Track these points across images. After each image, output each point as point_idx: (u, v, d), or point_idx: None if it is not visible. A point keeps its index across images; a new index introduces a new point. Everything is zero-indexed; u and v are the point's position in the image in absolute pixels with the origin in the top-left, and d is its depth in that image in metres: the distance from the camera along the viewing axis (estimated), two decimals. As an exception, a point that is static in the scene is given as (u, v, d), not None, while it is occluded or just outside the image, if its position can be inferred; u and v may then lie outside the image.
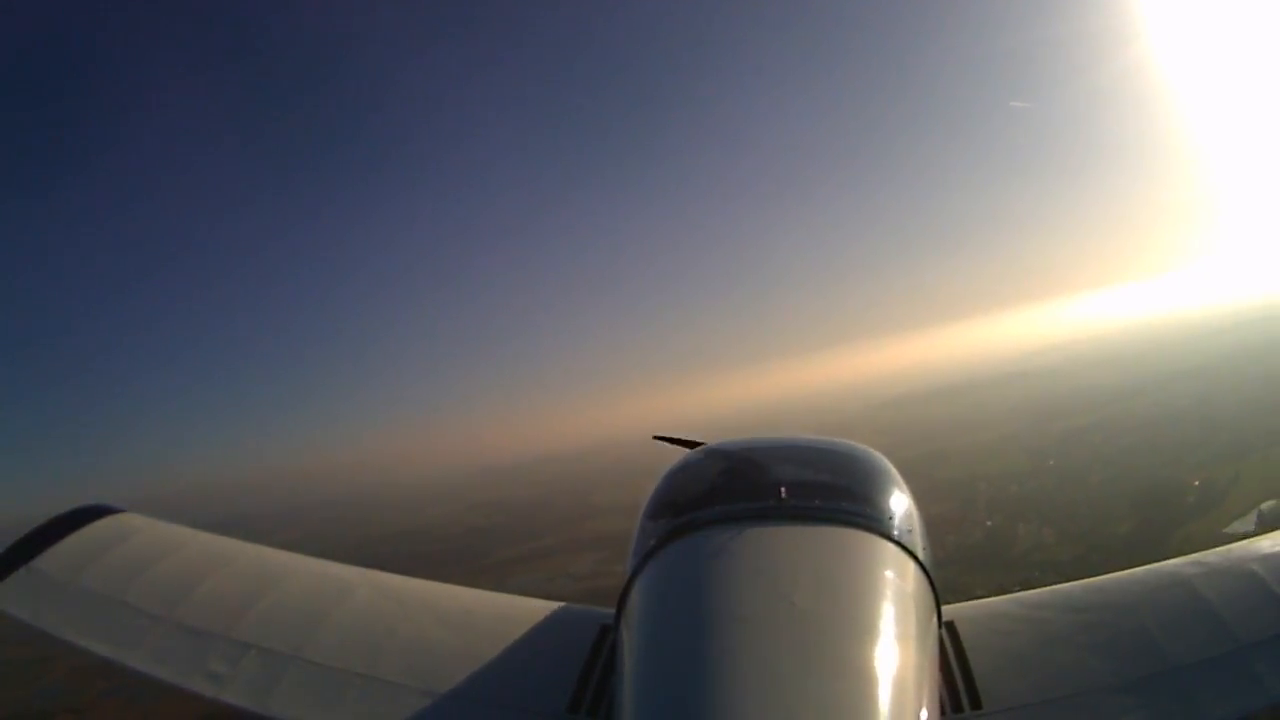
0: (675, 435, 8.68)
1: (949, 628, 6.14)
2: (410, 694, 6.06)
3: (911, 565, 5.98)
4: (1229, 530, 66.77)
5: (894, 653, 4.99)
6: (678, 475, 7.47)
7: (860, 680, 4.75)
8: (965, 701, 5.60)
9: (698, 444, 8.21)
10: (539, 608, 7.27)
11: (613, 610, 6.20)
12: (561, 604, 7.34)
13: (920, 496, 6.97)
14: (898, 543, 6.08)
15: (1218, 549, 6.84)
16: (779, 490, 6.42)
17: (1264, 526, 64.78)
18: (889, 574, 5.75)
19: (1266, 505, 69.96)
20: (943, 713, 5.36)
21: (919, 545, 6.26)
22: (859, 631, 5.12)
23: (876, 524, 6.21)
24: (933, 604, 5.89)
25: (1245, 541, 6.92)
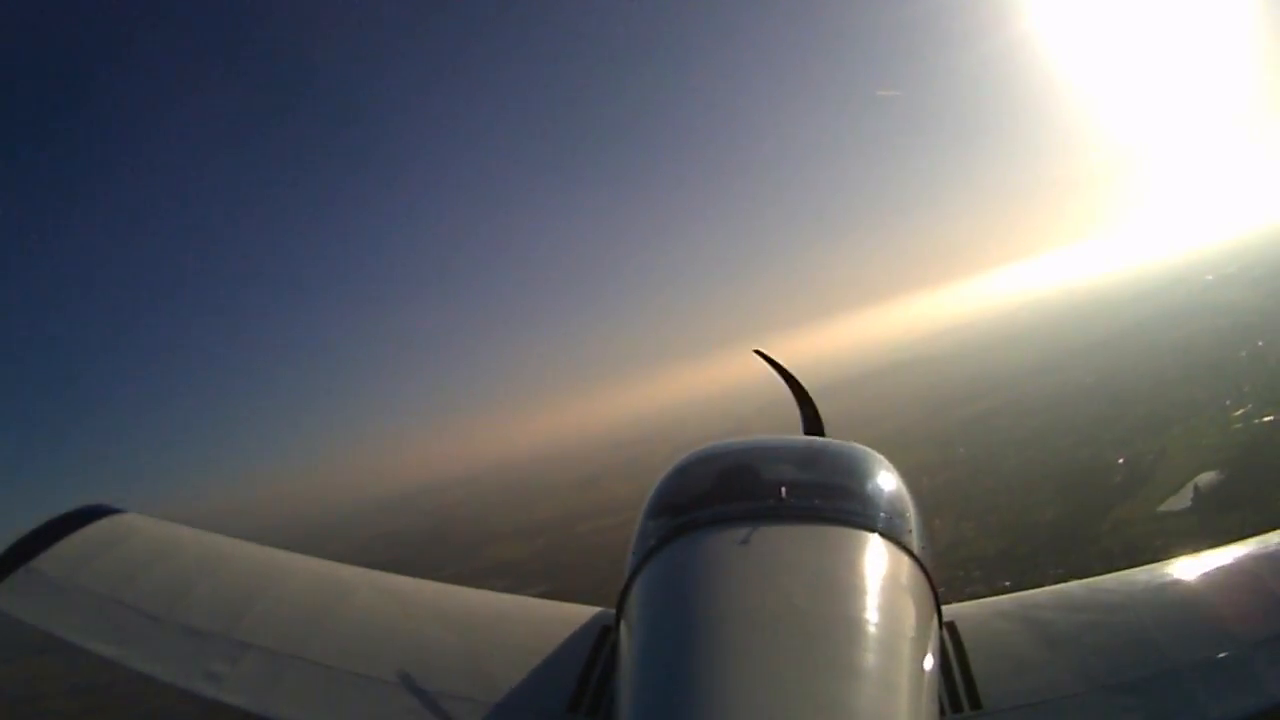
0: (779, 362, 10.45)
1: (949, 628, 6.26)
2: (410, 694, 6.21)
3: (912, 565, 6.08)
4: (1164, 509, 65.85)
5: (894, 653, 5.12)
6: (677, 475, 7.49)
7: (860, 680, 4.86)
8: (965, 701, 5.71)
9: (791, 376, 10.10)
10: (539, 608, 7.74)
11: (613, 610, 6.35)
12: (561, 604, 7.62)
13: None
14: (898, 543, 6.18)
15: (1218, 549, 6.90)
16: (779, 490, 6.52)
17: (1200, 502, 64.88)
18: (889, 574, 5.91)
19: (1202, 479, 68.66)
20: (943, 713, 5.46)
21: (919, 545, 6.34)
22: (859, 631, 5.21)
23: (876, 524, 6.29)
24: (933, 604, 5.99)
25: (1245, 541, 6.96)
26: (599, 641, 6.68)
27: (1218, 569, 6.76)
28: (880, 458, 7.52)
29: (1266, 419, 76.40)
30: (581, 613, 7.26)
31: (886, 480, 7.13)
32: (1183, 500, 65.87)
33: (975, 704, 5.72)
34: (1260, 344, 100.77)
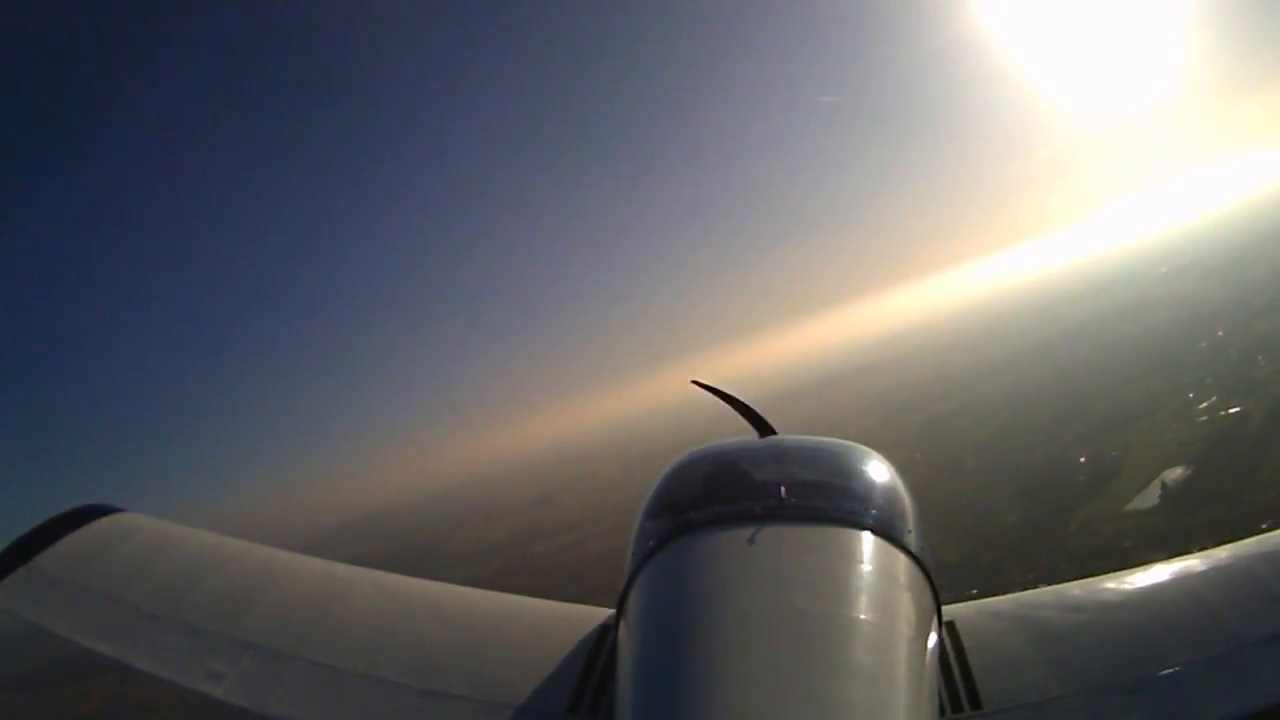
0: (715, 386, 9.97)
1: (949, 628, 6.33)
2: (410, 694, 6.29)
3: (912, 565, 6.10)
4: (1131, 508, 65.14)
5: (894, 653, 5.14)
6: (676, 475, 7.48)
7: (860, 680, 4.90)
8: (965, 701, 5.76)
9: (731, 397, 9.54)
10: (539, 608, 7.66)
11: (613, 610, 6.41)
12: (561, 604, 7.66)
13: None
14: (898, 543, 6.19)
15: (1217, 549, 6.98)
16: (779, 490, 6.56)
17: (1168, 499, 64.05)
18: (889, 574, 5.94)
19: (1169, 475, 68.09)
20: (943, 713, 5.54)
21: (918, 545, 6.36)
22: (859, 631, 5.26)
23: (876, 524, 6.30)
24: (933, 604, 6.03)
25: (1245, 541, 7.05)
26: (599, 641, 6.72)
27: (1217, 569, 6.81)
28: (879, 457, 7.54)
29: (1232, 410, 76.26)
30: (581, 613, 7.30)
31: (885, 480, 7.15)
32: (1150, 498, 65.15)
33: (975, 704, 5.75)
34: (1220, 334, 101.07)
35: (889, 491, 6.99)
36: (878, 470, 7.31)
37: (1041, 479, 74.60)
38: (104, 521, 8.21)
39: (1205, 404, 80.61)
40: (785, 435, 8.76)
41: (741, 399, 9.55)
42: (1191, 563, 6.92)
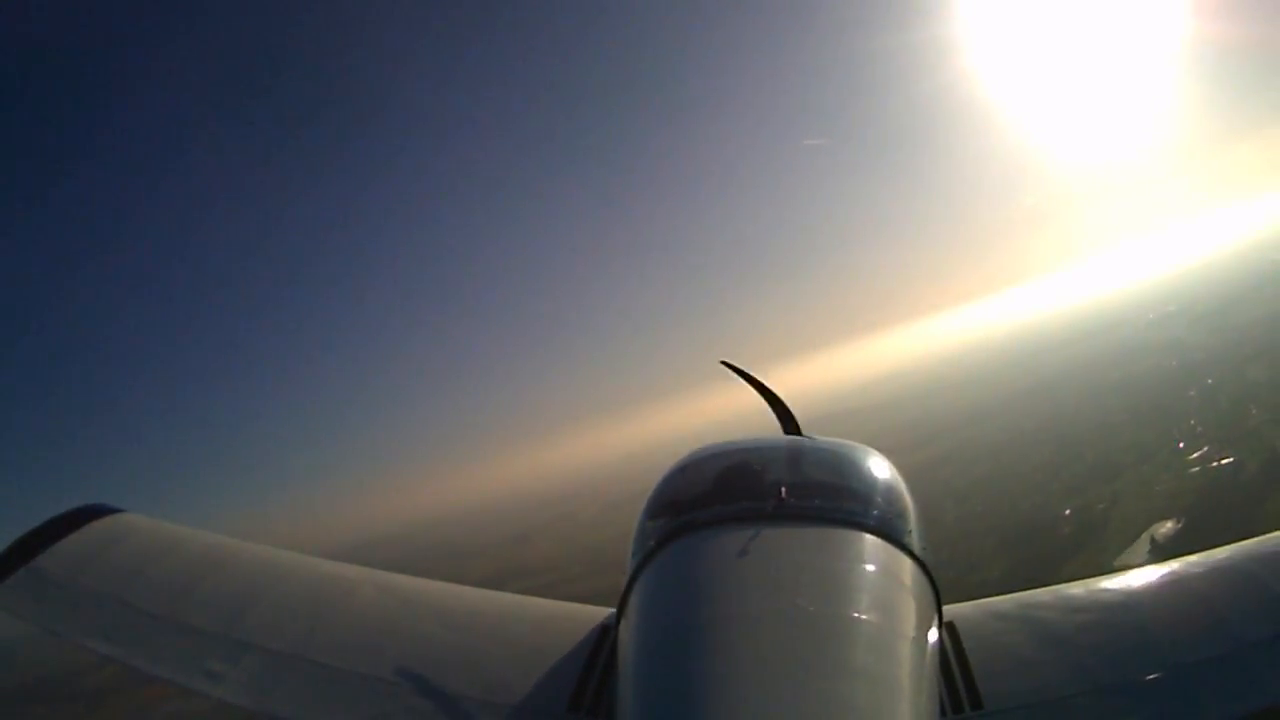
0: (744, 369, 10.58)
1: (949, 628, 6.37)
2: (411, 694, 6.34)
3: (912, 565, 6.17)
4: (1120, 562, 63.29)
5: (894, 653, 5.24)
6: (677, 475, 7.57)
7: (860, 680, 4.97)
8: (965, 701, 5.82)
9: (758, 381, 10.16)
10: (539, 607, 7.85)
11: (613, 610, 6.57)
12: (562, 604, 7.82)
13: None
14: (898, 543, 6.28)
15: (1217, 549, 7.14)
16: (779, 490, 6.66)
17: (1158, 554, 61.89)
18: (889, 574, 6.02)
19: (1158, 529, 67.55)
20: (943, 713, 5.58)
21: (919, 546, 6.45)
22: (859, 632, 5.33)
23: (877, 524, 6.41)
24: (933, 604, 6.11)
25: (1245, 542, 7.18)
26: (599, 641, 6.72)
27: (1218, 569, 6.93)
28: (881, 458, 7.61)
29: (1225, 461, 75.50)
30: (582, 613, 7.34)
31: (887, 480, 7.22)
32: (1139, 553, 63.67)
33: (975, 704, 5.78)
34: (1210, 382, 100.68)
35: (890, 491, 7.04)
36: (879, 470, 7.37)
37: (1025, 531, 73.31)
38: (104, 522, 8.21)
39: (1196, 454, 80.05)
40: (784, 435, 8.95)
41: (769, 387, 9.96)
42: (1191, 563, 7.05)
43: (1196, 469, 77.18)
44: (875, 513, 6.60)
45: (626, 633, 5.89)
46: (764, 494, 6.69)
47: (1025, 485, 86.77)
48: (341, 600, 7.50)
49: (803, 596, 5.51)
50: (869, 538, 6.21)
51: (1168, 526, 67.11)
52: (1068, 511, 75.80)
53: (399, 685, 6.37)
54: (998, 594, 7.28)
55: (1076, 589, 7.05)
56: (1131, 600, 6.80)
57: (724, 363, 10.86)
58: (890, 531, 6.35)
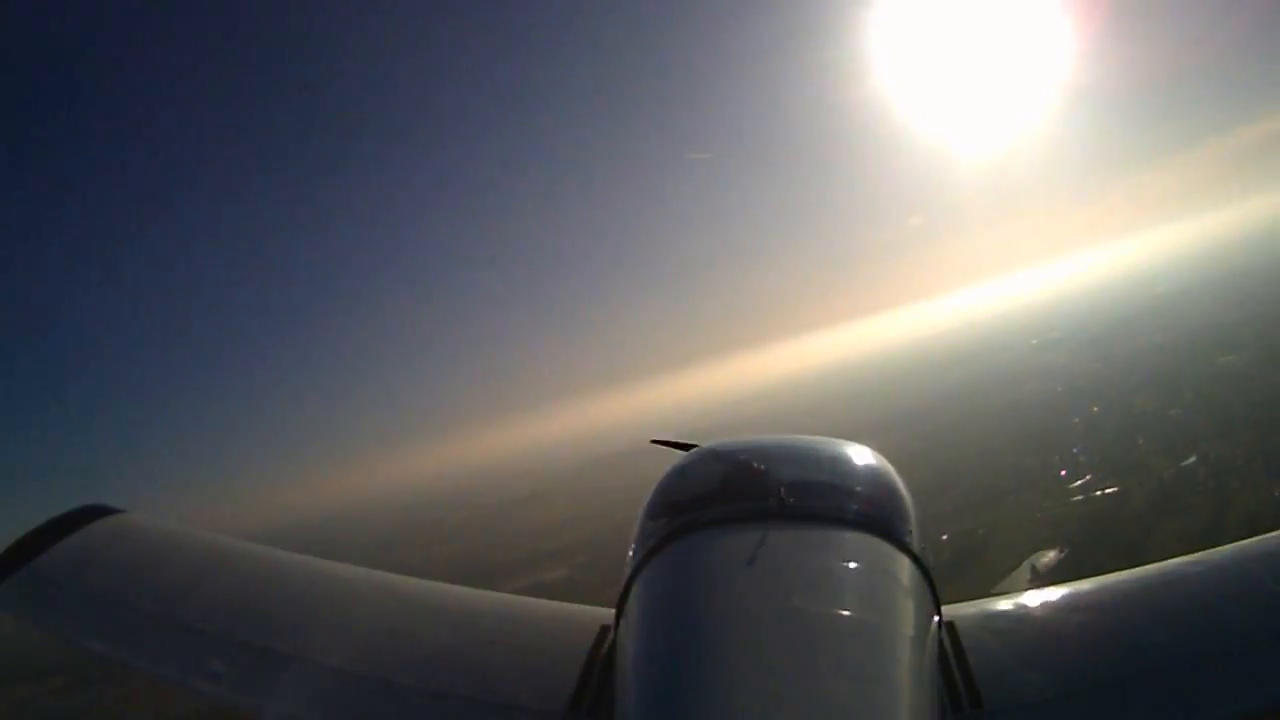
0: (673, 439, 9.06)
1: (949, 628, 6.33)
2: (410, 694, 6.35)
3: (911, 565, 6.15)
4: (997, 591, 59.82)
5: (894, 653, 5.28)
6: (677, 475, 7.55)
7: (860, 680, 5.00)
8: (965, 701, 5.80)
9: (693, 446, 8.65)
10: (539, 608, 7.76)
11: (613, 610, 6.44)
12: (561, 604, 7.75)
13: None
14: (897, 543, 6.24)
15: (1217, 549, 7.11)
16: (779, 490, 6.58)
17: (1039, 585, 58.70)
18: (889, 574, 6.01)
19: (1040, 558, 67.47)
20: (943, 713, 5.58)
21: (918, 545, 6.42)
22: (859, 632, 5.37)
23: (876, 524, 6.38)
24: (932, 604, 6.09)
25: (1245, 541, 7.16)
26: (599, 641, 6.61)
27: (1217, 569, 6.93)
28: (880, 458, 7.53)
29: (1109, 490, 75.48)
30: (581, 613, 7.25)
31: (886, 481, 7.10)
32: (1018, 583, 62.86)
33: (975, 704, 5.73)
34: (1095, 409, 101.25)
35: (889, 492, 6.89)
36: (878, 470, 7.23)
37: (900, 558, 70.63)
38: (104, 523, 8.13)
39: (1079, 482, 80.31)
40: (784, 435, 8.54)
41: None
42: (1192, 563, 6.99)
43: (1079, 497, 77.25)
44: (875, 513, 6.42)
45: (626, 633, 5.83)
46: (764, 494, 6.43)
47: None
48: (341, 601, 7.49)
49: (803, 596, 5.51)
50: (868, 538, 6.10)
51: (1049, 555, 66.96)
52: (945, 538, 73.87)
53: (399, 686, 6.30)
54: (995, 594, 7.35)
55: (1076, 589, 6.93)
56: (1131, 600, 6.69)
57: (655, 441, 9.78)
58: (890, 532, 6.18)
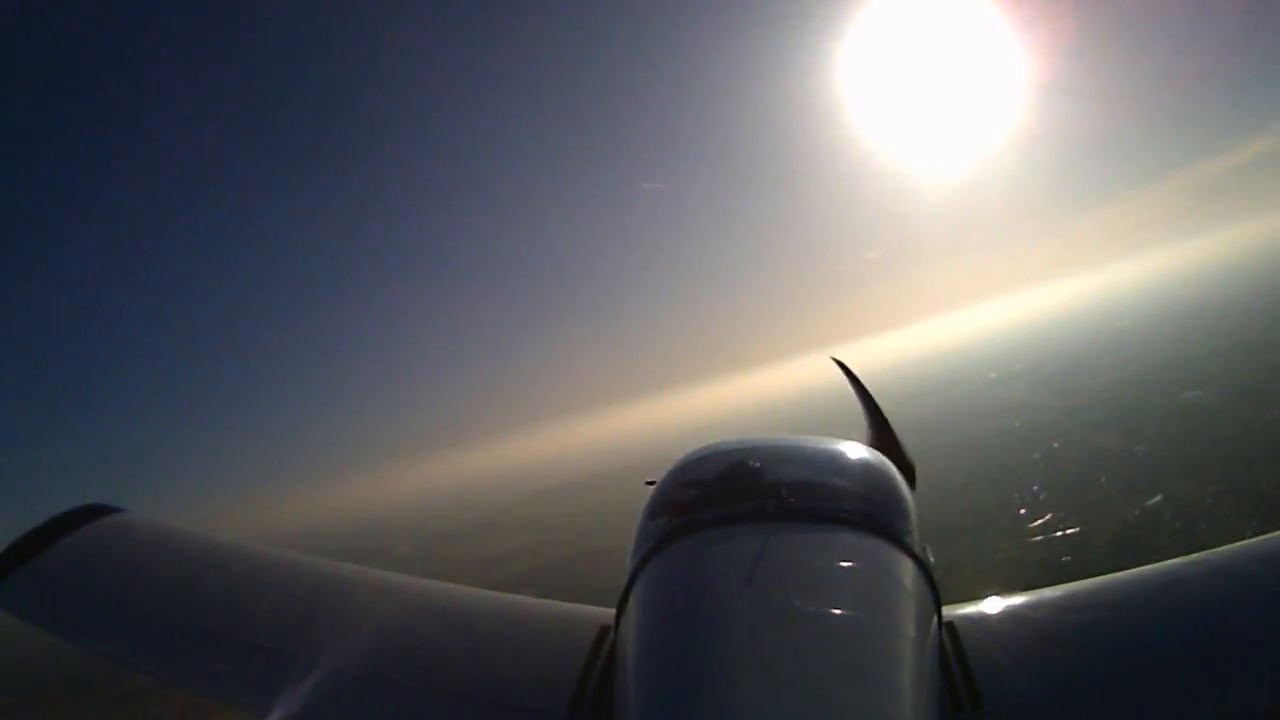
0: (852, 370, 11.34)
1: (949, 628, 6.40)
2: (410, 694, 6.40)
3: (911, 566, 6.22)
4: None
5: (894, 653, 5.32)
6: (678, 475, 7.61)
7: (860, 680, 5.05)
8: (965, 701, 5.85)
9: (865, 391, 10.72)
10: (539, 608, 7.83)
11: (613, 610, 6.51)
12: (561, 604, 7.75)
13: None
14: (897, 543, 6.33)
15: (1217, 549, 7.21)
16: (779, 490, 6.73)
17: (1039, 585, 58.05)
18: (889, 574, 6.08)
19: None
20: (943, 713, 5.64)
21: (918, 546, 6.49)
22: (859, 632, 5.43)
23: (876, 524, 6.45)
24: (933, 604, 6.15)
25: (1245, 542, 7.25)
26: (599, 641, 6.65)
27: (1217, 569, 6.98)
28: (881, 458, 7.65)
29: (1070, 531, 74.67)
30: (581, 613, 7.25)
31: (886, 480, 7.22)
32: None
33: (975, 704, 5.77)
34: (1055, 446, 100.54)
35: (890, 492, 7.01)
36: (878, 470, 7.35)
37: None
38: (104, 522, 8.19)
39: (1039, 522, 79.34)
40: (784, 435, 8.74)
41: (871, 394, 10.68)
42: (1192, 563, 7.04)
43: (1039, 538, 76.03)
44: (875, 513, 6.48)
45: (626, 633, 5.86)
46: (764, 494, 6.60)
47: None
48: (341, 600, 7.46)
49: (803, 596, 5.51)
50: (869, 538, 6.17)
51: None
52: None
53: (399, 685, 6.35)
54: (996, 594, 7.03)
55: (1076, 589, 6.86)
56: (1131, 600, 6.68)
57: (835, 360, 11.23)
58: (890, 532, 6.26)
